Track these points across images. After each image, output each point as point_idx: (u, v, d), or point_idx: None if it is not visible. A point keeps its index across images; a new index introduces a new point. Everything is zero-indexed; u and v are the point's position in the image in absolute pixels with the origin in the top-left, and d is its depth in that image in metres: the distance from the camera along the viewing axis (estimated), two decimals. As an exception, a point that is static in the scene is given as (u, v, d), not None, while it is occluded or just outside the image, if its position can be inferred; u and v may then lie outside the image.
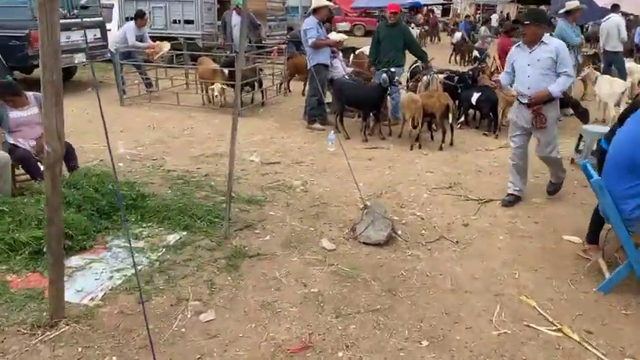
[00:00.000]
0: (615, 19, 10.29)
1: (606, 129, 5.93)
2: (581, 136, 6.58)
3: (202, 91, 9.77)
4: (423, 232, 4.60)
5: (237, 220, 4.65)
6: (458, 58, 18.22)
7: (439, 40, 28.37)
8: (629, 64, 10.77)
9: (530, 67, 4.78)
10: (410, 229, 4.62)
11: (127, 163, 6.30)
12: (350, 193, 5.43)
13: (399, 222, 4.75)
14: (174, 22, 14.47)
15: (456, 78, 8.37)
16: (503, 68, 10.21)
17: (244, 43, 11.35)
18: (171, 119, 8.59)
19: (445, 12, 38.49)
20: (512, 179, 5.23)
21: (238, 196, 5.18)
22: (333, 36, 8.79)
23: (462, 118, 8.33)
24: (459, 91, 8.10)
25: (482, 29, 16.15)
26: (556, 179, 5.30)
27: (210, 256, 4.03)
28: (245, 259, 4.01)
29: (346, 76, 8.32)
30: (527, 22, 4.78)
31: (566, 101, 7.90)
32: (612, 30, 10.24)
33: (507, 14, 32.10)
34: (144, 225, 4.50)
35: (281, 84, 11.05)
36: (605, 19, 10.49)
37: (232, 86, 8.96)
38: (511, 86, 5.30)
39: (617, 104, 8.19)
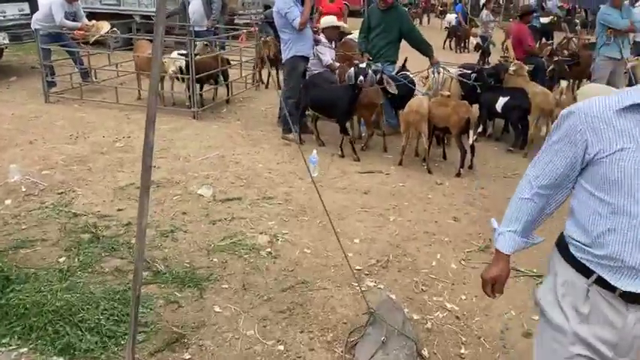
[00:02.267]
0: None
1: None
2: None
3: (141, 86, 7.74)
4: (463, 347, 2.84)
5: (156, 329, 2.82)
6: (453, 44, 16.45)
7: (428, 22, 26.56)
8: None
9: None
10: (441, 342, 2.85)
11: (19, 199, 4.37)
12: (342, 258, 3.63)
13: (422, 326, 2.97)
14: (129, -5, 12.27)
15: (473, 75, 6.56)
16: (518, 60, 8.54)
17: (210, 23, 9.36)
18: (105, 123, 6.61)
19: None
20: None
21: (167, 271, 3.34)
22: (327, 20, 6.83)
23: (481, 128, 6.53)
24: (478, 90, 6.29)
25: (484, 13, 14.33)
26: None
27: None
28: None
29: (322, 70, 6.43)
30: None
31: None
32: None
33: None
34: (-9, 344, 2.63)
35: (254, 76, 9.09)
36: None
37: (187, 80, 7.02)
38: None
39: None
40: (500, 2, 28.58)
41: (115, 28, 9.71)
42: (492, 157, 5.96)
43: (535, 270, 3.59)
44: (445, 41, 16.69)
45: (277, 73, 8.30)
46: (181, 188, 4.72)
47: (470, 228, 4.18)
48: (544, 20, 17.64)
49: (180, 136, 6.28)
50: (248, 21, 14.08)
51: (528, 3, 12.40)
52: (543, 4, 21.99)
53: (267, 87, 9.12)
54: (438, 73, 6.34)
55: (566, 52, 9.57)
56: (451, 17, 21.08)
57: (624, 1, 7.00)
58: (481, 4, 20.69)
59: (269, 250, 3.71)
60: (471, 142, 5.21)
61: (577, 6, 24.53)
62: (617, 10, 6.93)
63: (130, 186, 4.71)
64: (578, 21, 21.32)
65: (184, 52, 7.08)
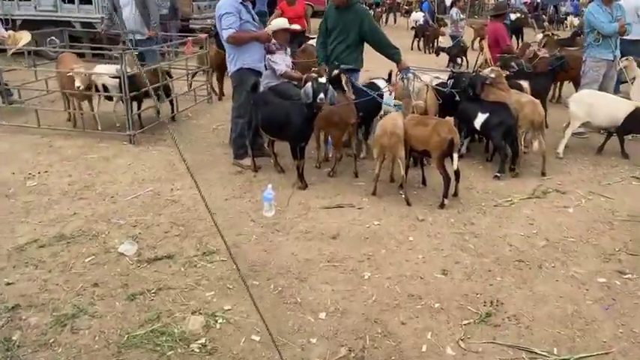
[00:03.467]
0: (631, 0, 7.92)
1: None
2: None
3: (68, 107, 6.61)
4: None
5: None
6: (421, 44, 15.73)
7: (394, 21, 25.90)
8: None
9: None
10: None
11: None
12: (303, 347, 2.71)
13: None
14: (66, 1, 11.05)
15: (449, 81, 5.72)
16: (494, 61, 7.78)
17: (152, 31, 8.24)
18: (19, 155, 5.51)
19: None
20: None
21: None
22: (277, 23, 5.78)
23: (464, 146, 5.69)
24: (456, 98, 5.46)
25: (454, 11, 13.63)
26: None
27: None
28: None
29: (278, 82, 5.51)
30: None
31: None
32: (630, 12, 7.84)
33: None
34: None
35: (211, 88, 8.08)
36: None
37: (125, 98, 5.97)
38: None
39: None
40: (465, 1, 28.25)
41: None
42: (478, 180, 5.13)
43: (555, 353, 2.73)
44: (413, 42, 15.97)
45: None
46: (99, 244, 3.71)
47: (464, 285, 3.31)
48: (513, 17, 17.17)
49: (110, 167, 5.24)
50: (205, 26, 12.99)
51: (500, 0, 11.67)
52: (509, 1, 21.64)
53: (220, 99, 8.14)
54: (407, 80, 5.44)
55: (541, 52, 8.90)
56: (417, 16, 20.40)
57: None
58: (448, 2, 20.05)
59: (203, 340, 2.74)
60: (455, 167, 4.36)
61: (541, 1, 24.29)
62: (606, 11, 6.20)
63: (32, 244, 3.67)
64: (545, 17, 20.95)
65: (116, 66, 6.02)
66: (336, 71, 4.96)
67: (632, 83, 6.39)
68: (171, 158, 5.54)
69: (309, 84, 4.32)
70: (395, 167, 4.72)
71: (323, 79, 4.24)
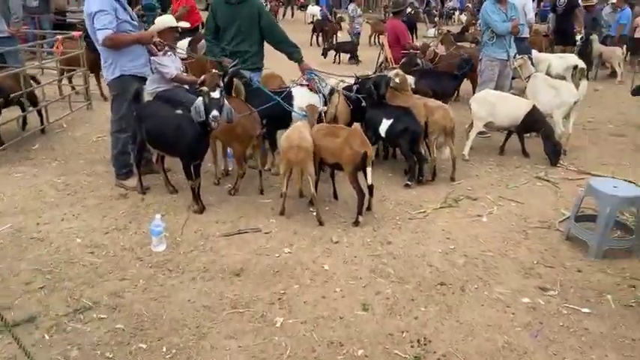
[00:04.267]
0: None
1: (631, 194, 3.53)
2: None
3: None
4: None
5: None
6: (320, 40, 15.49)
7: (292, 15, 25.57)
8: (539, 54, 8.88)
9: None
10: None
11: None
12: None
13: None
14: None
15: (354, 86, 5.40)
16: (395, 61, 7.64)
17: (13, 27, 7.00)
18: None
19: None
20: None
21: None
22: (163, 20, 5.02)
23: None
24: (362, 104, 5.15)
25: (351, 7, 13.50)
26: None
27: None
28: None
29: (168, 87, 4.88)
30: None
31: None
32: (519, 10, 8.08)
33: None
34: None
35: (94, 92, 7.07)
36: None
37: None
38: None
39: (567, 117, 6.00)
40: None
41: None
42: (390, 190, 4.86)
43: None
44: (312, 37, 15.70)
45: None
46: None
47: (387, 323, 2.95)
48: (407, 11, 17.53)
49: (-45, 199, 4.26)
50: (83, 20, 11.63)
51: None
52: (403, -4, 22.18)
53: (106, 99, 7.16)
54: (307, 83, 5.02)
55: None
56: (314, 10, 20.25)
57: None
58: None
59: None
60: (369, 181, 4.01)
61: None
62: (500, 10, 6.23)
63: None
64: (437, 12, 21.74)
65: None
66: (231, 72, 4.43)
67: (527, 81, 6.50)
68: (37, 182, 4.65)
69: (200, 100, 3.71)
70: (304, 183, 4.28)
71: (216, 94, 3.64)
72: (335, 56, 12.64)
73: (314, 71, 5.04)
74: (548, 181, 5.17)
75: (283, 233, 3.93)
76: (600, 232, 3.63)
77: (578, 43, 10.72)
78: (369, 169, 3.96)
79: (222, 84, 4.29)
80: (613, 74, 11.12)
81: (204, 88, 3.72)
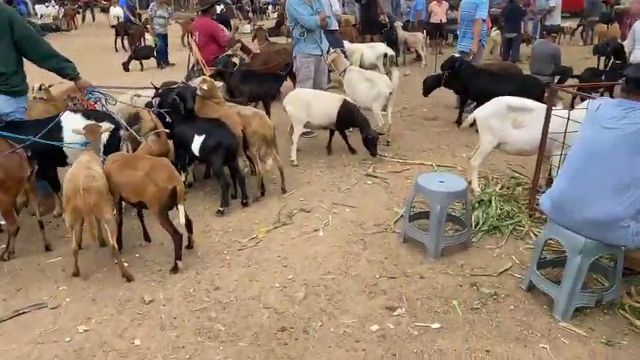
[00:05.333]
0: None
1: (458, 188, 3.44)
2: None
3: None
4: None
5: None
6: (126, 44, 13.98)
7: (93, 19, 23.07)
8: (351, 45, 8.95)
9: None
10: None
11: None
12: None
13: None
14: None
15: (155, 100, 4.62)
16: (208, 63, 6.96)
17: None
18: None
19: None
20: None
21: None
22: None
23: (188, 175, 4.69)
24: (167, 120, 4.42)
25: (151, 5, 12.30)
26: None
27: None
28: None
29: None
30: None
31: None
32: (326, 3, 7.99)
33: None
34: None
35: None
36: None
37: None
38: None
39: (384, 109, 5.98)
40: (168, -8, 26.87)
41: None
42: (214, 216, 4.22)
43: None
44: (116, 41, 14.11)
45: None
46: None
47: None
48: (219, 9, 16.80)
49: None
50: None
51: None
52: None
53: None
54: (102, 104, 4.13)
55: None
56: (118, 11, 18.39)
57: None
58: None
59: None
60: (182, 219, 3.30)
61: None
62: (305, 3, 5.92)
63: None
64: (249, 7, 21.39)
65: None
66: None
67: (342, 76, 6.35)
68: None
69: None
70: (102, 230, 3.42)
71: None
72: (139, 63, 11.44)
73: (96, 89, 4.12)
74: (376, 177, 5.03)
75: (78, 304, 3.05)
76: (434, 232, 3.47)
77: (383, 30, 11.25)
78: (181, 207, 3.25)
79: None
80: (418, 58, 11.85)
81: None
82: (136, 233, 3.80)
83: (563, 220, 2.84)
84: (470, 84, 6.51)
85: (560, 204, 2.83)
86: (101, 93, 4.08)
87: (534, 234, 3.80)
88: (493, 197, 4.21)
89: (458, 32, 8.00)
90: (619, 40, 9.43)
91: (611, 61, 9.14)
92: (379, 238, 3.85)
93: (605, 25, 13.19)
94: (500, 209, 4.07)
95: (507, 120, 4.24)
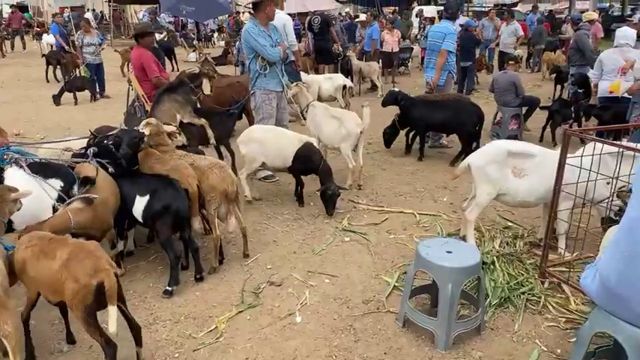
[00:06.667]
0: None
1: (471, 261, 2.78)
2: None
3: None
4: None
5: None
6: (58, 73, 12.74)
7: (24, 47, 21.45)
8: (307, 77, 8.33)
9: None
10: None
11: None
12: None
13: None
14: None
15: (91, 150, 3.70)
16: (150, 99, 6.07)
17: None
18: None
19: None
20: None
21: None
22: None
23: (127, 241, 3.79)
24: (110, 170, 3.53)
25: (79, 33, 11.25)
26: None
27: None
28: None
29: None
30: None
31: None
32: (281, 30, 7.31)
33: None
34: None
35: None
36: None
37: None
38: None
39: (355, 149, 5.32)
40: (107, 19, 25.36)
41: None
42: (162, 302, 3.34)
43: None
44: (47, 72, 12.84)
45: None
46: None
47: None
48: (159, 36, 15.85)
49: None
50: None
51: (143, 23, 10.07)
52: (155, 17, 20.33)
53: None
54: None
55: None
56: (51, 39, 17.06)
57: (271, 19, 5.33)
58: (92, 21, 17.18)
59: None
60: (113, 328, 2.40)
61: (187, 20, 23.75)
62: (265, 33, 5.22)
63: None
64: (194, 35, 20.51)
65: None
66: None
67: (306, 112, 5.66)
68: None
69: None
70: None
71: None
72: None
73: (11, 144, 3.21)
74: (354, 232, 4.32)
75: None
76: (445, 318, 2.77)
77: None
78: (112, 309, 2.36)
79: None
80: (373, 87, 11.41)
81: None
82: (56, 331, 2.88)
83: (620, 311, 2.21)
84: (407, 114, 6.38)
85: (616, 291, 2.20)
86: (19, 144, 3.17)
87: (552, 306, 3.20)
88: (496, 259, 3.59)
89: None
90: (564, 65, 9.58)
91: (567, 89, 9.03)
92: (372, 322, 3.10)
93: (552, 52, 13.36)
94: (508, 274, 3.45)
95: (507, 168, 3.66)
